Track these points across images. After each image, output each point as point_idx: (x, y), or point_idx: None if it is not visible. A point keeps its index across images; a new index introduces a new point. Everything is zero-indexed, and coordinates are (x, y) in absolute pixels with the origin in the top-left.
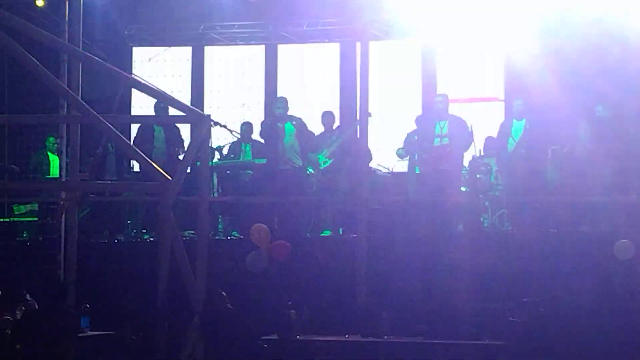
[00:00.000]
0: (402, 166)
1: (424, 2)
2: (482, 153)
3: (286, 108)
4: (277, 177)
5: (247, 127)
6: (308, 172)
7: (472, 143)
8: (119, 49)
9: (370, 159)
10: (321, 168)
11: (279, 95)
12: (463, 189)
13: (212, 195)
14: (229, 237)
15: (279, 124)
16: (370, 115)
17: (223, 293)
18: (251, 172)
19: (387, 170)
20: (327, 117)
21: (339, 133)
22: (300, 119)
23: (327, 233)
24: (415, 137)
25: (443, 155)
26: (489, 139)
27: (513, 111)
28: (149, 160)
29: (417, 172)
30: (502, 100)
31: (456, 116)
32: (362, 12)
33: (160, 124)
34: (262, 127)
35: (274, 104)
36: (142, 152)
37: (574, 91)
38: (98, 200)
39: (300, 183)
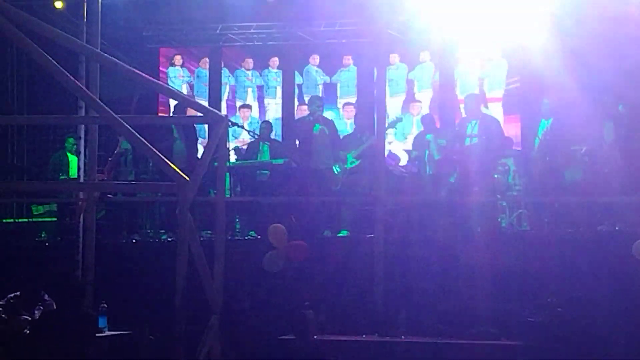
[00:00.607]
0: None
1: (442, 2)
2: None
3: (319, 108)
4: (298, 176)
5: (266, 125)
6: (335, 172)
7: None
8: (139, 49)
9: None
10: (347, 167)
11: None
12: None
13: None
14: (246, 237)
15: (317, 124)
16: (401, 119)
17: (241, 293)
18: (268, 172)
19: (403, 171)
20: (360, 118)
21: (369, 135)
22: (327, 118)
23: (344, 233)
24: (427, 137)
25: (472, 154)
26: (506, 139)
27: (542, 110)
28: (167, 160)
29: (429, 172)
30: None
31: (488, 115)
32: (380, 13)
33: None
34: (297, 127)
35: (313, 103)
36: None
37: (592, 91)
38: (115, 200)
39: (324, 182)
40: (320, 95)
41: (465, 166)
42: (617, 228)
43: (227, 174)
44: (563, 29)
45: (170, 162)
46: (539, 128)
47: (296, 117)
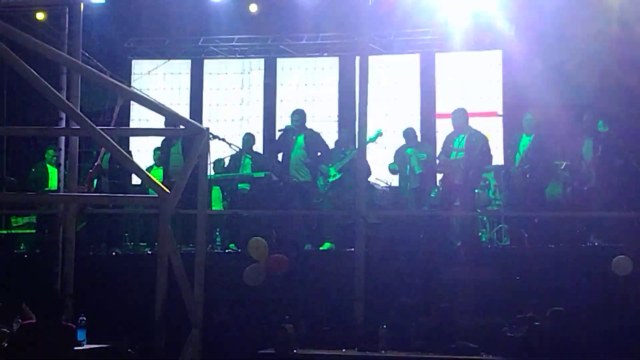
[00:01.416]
0: (396, 181)
1: (423, 17)
2: None
3: (301, 120)
4: (279, 189)
5: (248, 137)
6: (318, 185)
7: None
8: (118, 61)
9: (370, 174)
10: (329, 181)
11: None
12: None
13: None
14: (226, 251)
15: (293, 136)
16: (381, 134)
17: (221, 307)
18: (249, 186)
19: (385, 185)
20: (343, 131)
21: (352, 149)
22: (313, 131)
23: (327, 246)
24: (407, 152)
25: (455, 169)
26: None
27: (523, 125)
28: (147, 173)
29: (411, 187)
30: (500, 116)
31: (475, 130)
32: (362, 27)
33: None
34: (280, 136)
35: (291, 116)
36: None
37: (574, 107)
38: (96, 212)
39: (303, 196)
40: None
41: (448, 180)
42: (596, 244)
43: (219, 187)
44: (546, 45)
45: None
46: (519, 144)
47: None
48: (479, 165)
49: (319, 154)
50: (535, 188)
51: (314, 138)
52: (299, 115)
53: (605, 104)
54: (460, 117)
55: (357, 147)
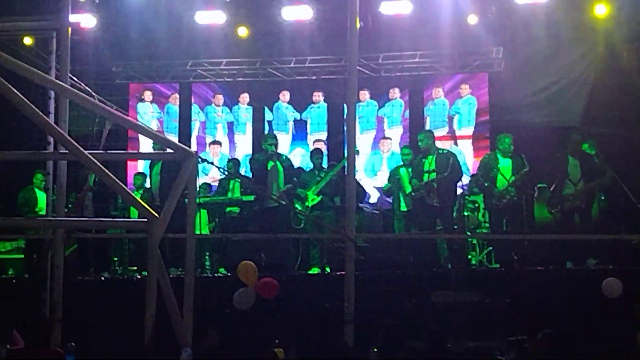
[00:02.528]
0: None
1: (411, 40)
2: (469, 190)
3: (277, 145)
4: (266, 214)
5: (233, 163)
6: (297, 210)
7: (462, 176)
8: (109, 85)
9: (365, 196)
10: (308, 205)
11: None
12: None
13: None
14: (216, 275)
15: (270, 161)
16: (357, 153)
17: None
18: (238, 210)
19: (373, 209)
20: (315, 154)
21: (327, 171)
22: (286, 156)
23: (315, 270)
24: (401, 172)
25: (431, 190)
26: (474, 177)
27: (501, 148)
28: (136, 197)
29: (404, 209)
30: (487, 137)
31: (443, 150)
32: (350, 50)
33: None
34: (251, 164)
35: (265, 141)
36: None
37: (560, 129)
38: (84, 237)
39: (287, 220)
40: (290, 131)
41: (425, 203)
42: (586, 266)
43: (205, 211)
44: (532, 66)
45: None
46: (497, 164)
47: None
48: (454, 181)
49: (295, 179)
50: (523, 211)
51: (284, 162)
52: (269, 141)
53: (591, 126)
54: (429, 137)
55: (346, 168)
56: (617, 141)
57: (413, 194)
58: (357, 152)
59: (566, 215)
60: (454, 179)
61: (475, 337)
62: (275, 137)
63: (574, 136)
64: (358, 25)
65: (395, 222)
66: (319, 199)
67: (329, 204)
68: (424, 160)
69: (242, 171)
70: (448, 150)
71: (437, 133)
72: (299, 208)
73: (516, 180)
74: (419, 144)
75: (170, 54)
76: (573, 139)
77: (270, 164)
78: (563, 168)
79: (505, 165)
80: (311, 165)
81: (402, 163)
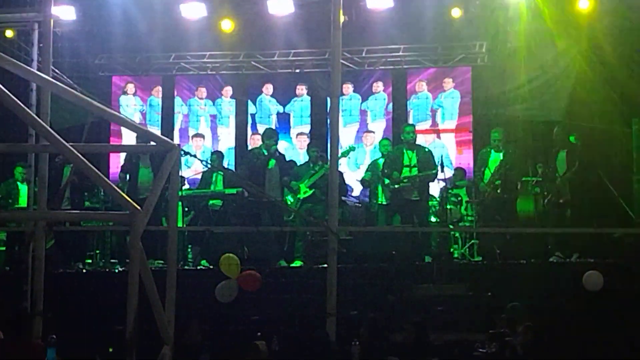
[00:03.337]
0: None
1: (395, 34)
2: (452, 184)
3: (277, 140)
4: (251, 206)
5: (217, 156)
6: (288, 202)
7: (440, 173)
8: (97, 78)
9: (348, 189)
10: (300, 197)
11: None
12: (433, 219)
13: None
14: (198, 267)
15: (272, 159)
16: (354, 148)
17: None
18: (221, 202)
19: (356, 203)
20: (312, 147)
21: (321, 164)
22: (282, 154)
23: (298, 263)
24: (379, 165)
25: (412, 185)
26: (458, 170)
27: (492, 141)
28: (118, 189)
29: (383, 202)
30: (470, 132)
31: (424, 146)
32: (334, 43)
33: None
34: (249, 157)
35: (269, 138)
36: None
37: (544, 123)
38: (65, 230)
39: (274, 213)
40: (274, 124)
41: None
42: (568, 259)
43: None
44: (517, 59)
45: (137, 189)
46: (489, 160)
47: (250, 147)
48: (432, 179)
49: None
50: (506, 204)
51: (281, 160)
52: (272, 138)
53: (574, 119)
54: (414, 132)
55: (329, 162)
56: (600, 135)
57: (392, 186)
58: (354, 148)
59: (552, 207)
60: (435, 177)
61: (456, 329)
62: (277, 134)
63: (558, 129)
64: (342, 19)
65: (378, 214)
66: (310, 192)
67: (320, 197)
68: (405, 152)
69: (225, 164)
70: (429, 149)
71: (420, 127)
72: (291, 200)
73: (494, 174)
74: (405, 135)
75: (153, 47)
76: (558, 131)
77: (272, 163)
78: (551, 160)
79: (495, 159)
80: (300, 159)
81: (380, 155)
